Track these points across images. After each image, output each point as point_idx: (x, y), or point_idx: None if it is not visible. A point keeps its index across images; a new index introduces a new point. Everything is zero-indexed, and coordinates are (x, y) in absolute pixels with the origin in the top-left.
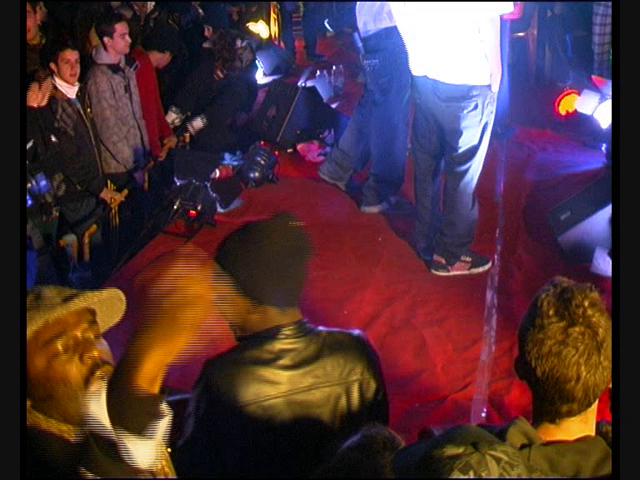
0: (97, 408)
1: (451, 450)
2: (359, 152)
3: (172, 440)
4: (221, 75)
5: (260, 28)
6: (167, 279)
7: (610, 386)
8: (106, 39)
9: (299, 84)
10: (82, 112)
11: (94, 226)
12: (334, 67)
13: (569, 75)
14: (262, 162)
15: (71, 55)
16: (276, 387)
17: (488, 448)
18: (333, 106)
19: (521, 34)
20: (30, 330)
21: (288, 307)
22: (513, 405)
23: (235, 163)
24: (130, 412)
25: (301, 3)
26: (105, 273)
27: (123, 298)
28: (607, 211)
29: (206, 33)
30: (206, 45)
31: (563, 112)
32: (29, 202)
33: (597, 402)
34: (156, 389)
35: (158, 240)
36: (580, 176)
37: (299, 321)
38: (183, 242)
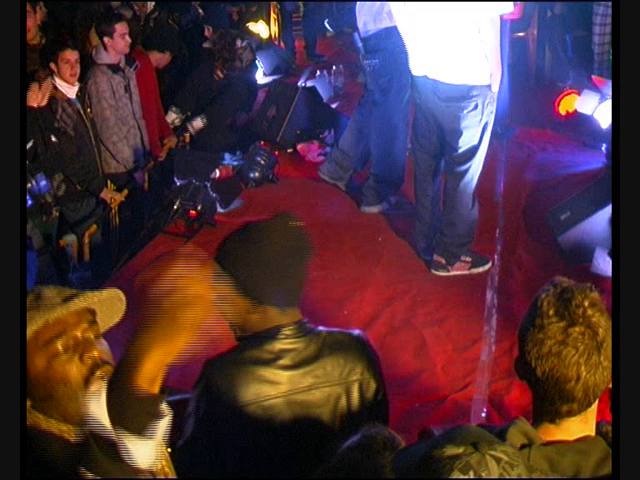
0: (97, 408)
1: (451, 450)
2: (359, 152)
3: (172, 440)
4: (221, 75)
5: (260, 28)
6: (167, 279)
7: (610, 386)
8: (106, 39)
9: (299, 84)
10: (82, 112)
11: (94, 226)
12: (334, 67)
13: (569, 75)
14: (262, 162)
15: (71, 55)
16: (276, 387)
17: (488, 448)
18: (333, 106)
19: (521, 34)
20: (30, 330)
21: (288, 307)
22: (513, 405)
23: (235, 163)
24: (130, 412)
25: (301, 3)
26: (105, 273)
27: (123, 298)
28: (607, 211)
29: (206, 33)
30: (206, 45)
31: (563, 112)
32: (29, 202)
33: (597, 402)
34: (156, 389)
35: (158, 240)
36: (580, 176)
37: (299, 321)
38: (183, 242)
